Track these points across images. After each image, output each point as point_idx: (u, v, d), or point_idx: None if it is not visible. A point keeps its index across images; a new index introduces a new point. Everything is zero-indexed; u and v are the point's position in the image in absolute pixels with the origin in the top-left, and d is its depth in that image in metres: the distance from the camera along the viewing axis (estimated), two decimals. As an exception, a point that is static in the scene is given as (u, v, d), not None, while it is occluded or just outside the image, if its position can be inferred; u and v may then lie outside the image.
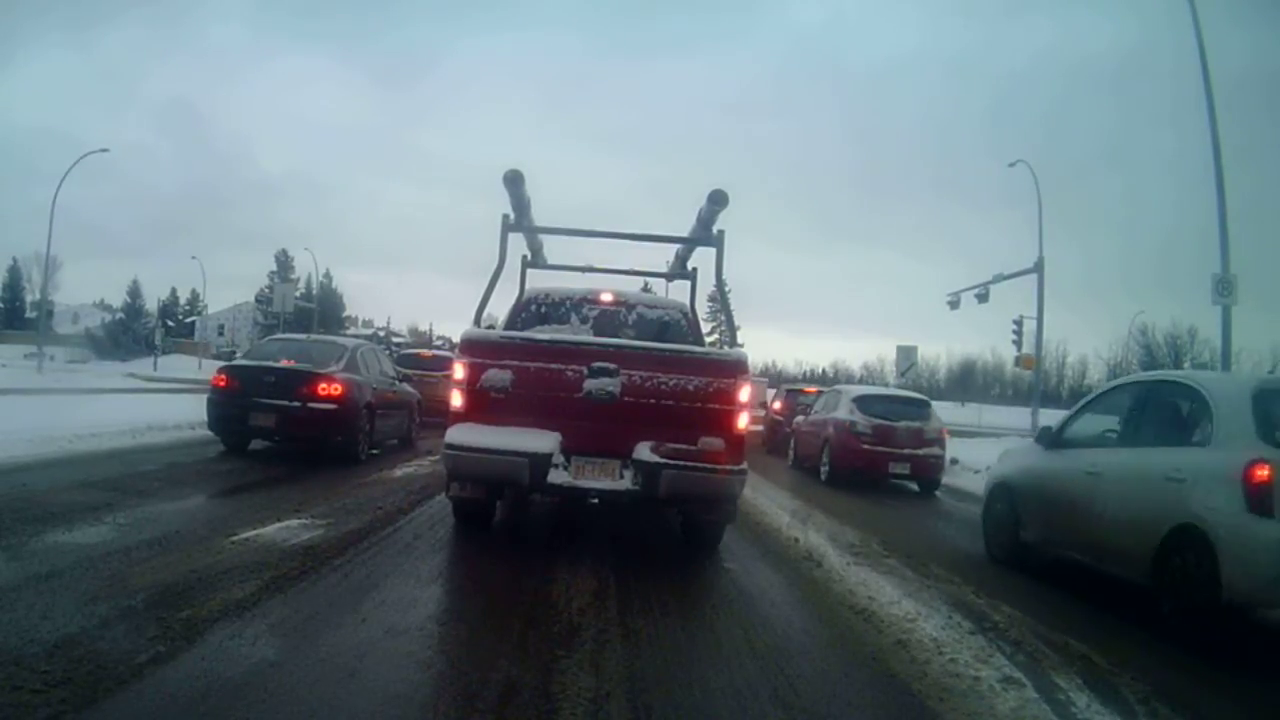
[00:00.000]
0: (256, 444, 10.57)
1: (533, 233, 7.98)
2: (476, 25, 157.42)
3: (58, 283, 66.29)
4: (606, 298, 7.38)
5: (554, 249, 9.06)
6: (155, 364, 48.31)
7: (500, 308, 8.09)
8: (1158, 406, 6.03)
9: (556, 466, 5.52)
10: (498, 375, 5.65)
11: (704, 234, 7.14)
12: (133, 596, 4.02)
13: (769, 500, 10.05)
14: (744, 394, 5.73)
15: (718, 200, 6.70)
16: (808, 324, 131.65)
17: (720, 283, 7.40)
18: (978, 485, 10.85)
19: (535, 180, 6.91)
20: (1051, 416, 13.72)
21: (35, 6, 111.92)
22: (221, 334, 61.37)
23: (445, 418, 5.99)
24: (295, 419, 9.78)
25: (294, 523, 6.16)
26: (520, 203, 6.95)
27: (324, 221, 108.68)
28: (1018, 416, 31.82)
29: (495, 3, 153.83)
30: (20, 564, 4.52)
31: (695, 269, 8.70)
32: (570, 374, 5.64)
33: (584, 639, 4.02)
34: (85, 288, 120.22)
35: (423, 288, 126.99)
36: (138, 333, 63.26)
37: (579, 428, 5.61)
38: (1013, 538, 7.05)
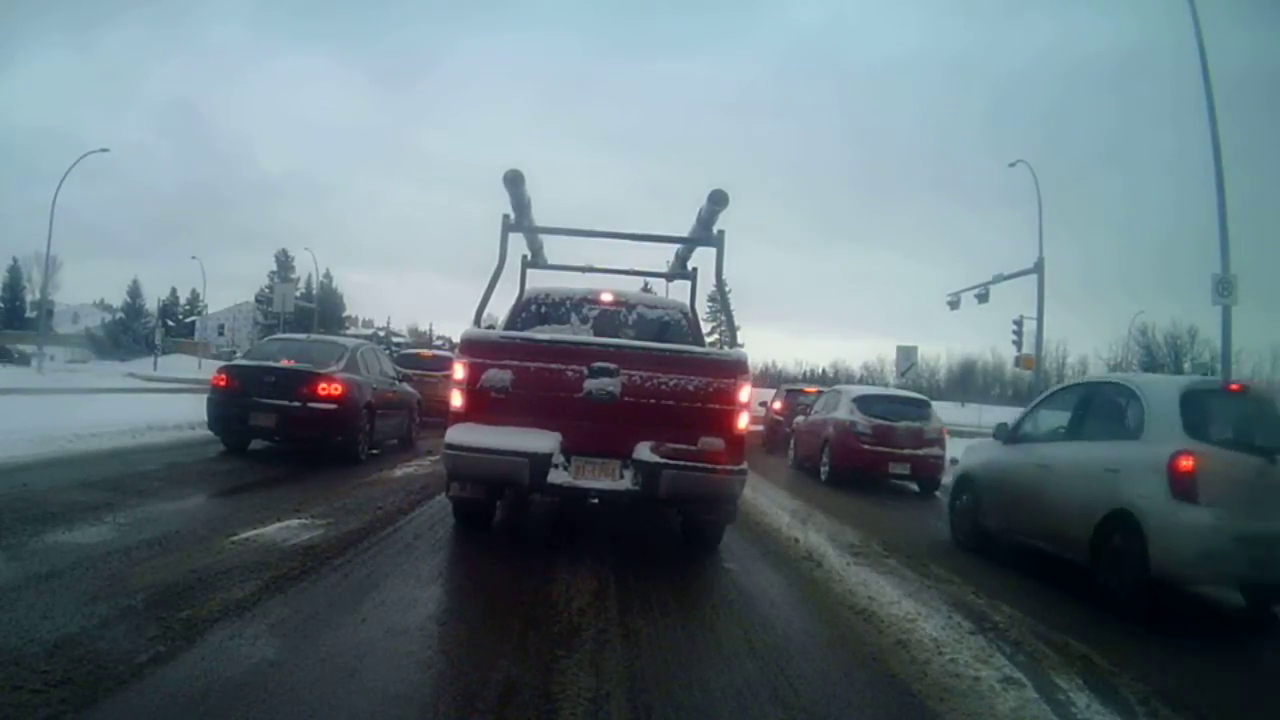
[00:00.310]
0: (256, 444, 10.56)
1: (533, 233, 7.98)
2: (476, 25, 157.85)
3: (58, 283, 66.26)
4: (606, 298, 7.38)
5: (554, 249, 9.06)
6: (155, 364, 48.28)
7: (500, 308, 8.09)
8: (1100, 405, 6.63)
9: (556, 466, 5.52)
10: (498, 375, 5.65)
11: (704, 234, 7.15)
12: (133, 596, 4.02)
13: (769, 500, 10.04)
14: (744, 394, 5.73)
15: (718, 200, 6.70)
16: (808, 324, 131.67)
17: (720, 283, 7.40)
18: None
19: (535, 180, 6.92)
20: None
21: (35, 6, 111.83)
22: (221, 334, 61.39)
23: (445, 418, 5.99)
24: (295, 419, 9.78)
25: (294, 523, 6.16)
26: (520, 203, 6.95)
27: (324, 221, 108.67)
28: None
29: (495, 3, 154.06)
30: (20, 564, 4.52)
31: (695, 269, 8.70)
32: (570, 374, 5.64)
33: (584, 639, 4.02)
34: (85, 288, 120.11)
35: (423, 288, 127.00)
36: (138, 333, 63.25)
37: (579, 428, 5.61)
38: (975, 525, 7.66)
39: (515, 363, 5.68)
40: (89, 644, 3.34)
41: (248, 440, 10.42)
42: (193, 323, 76.39)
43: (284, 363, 10.37)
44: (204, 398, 10.64)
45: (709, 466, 5.51)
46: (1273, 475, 5.30)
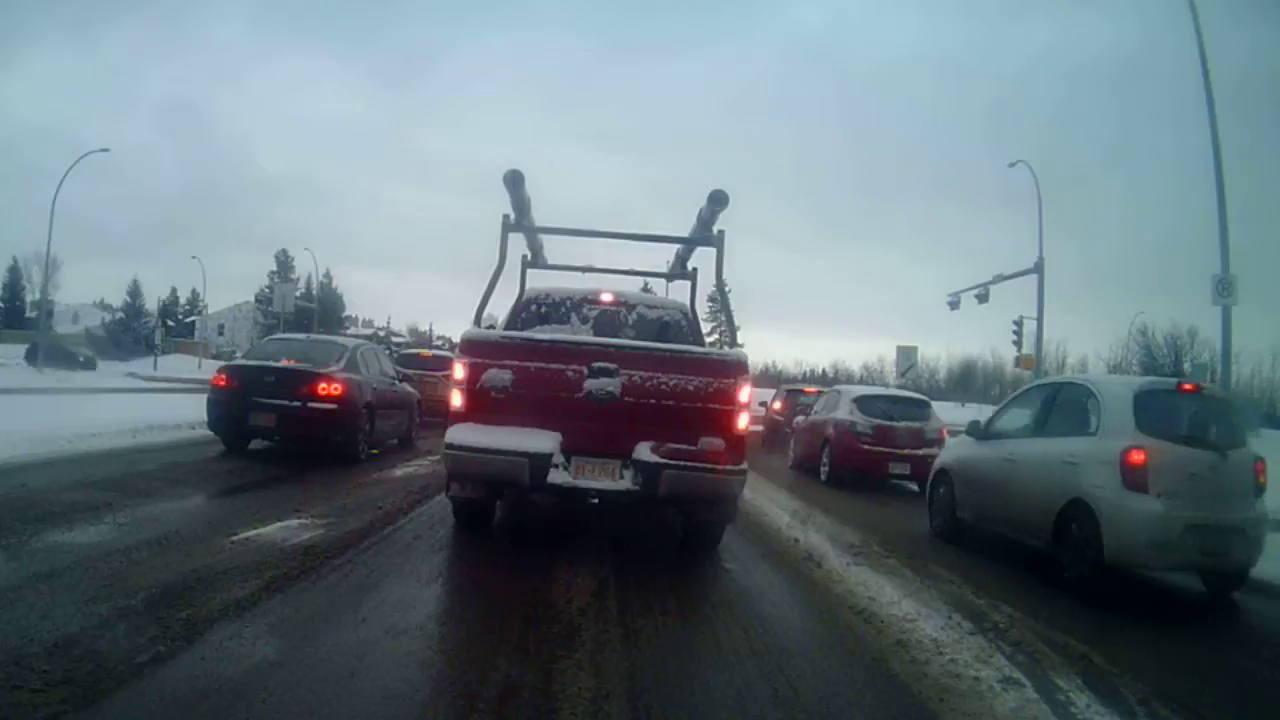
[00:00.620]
0: (256, 444, 10.56)
1: (533, 233, 7.98)
2: (477, 26, 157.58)
3: (58, 282, 66.28)
4: (606, 298, 7.39)
5: (554, 249, 9.06)
6: (155, 364, 48.25)
7: (500, 308, 8.09)
8: (1062, 404, 7.02)
9: (557, 466, 5.52)
10: (498, 375, 5.65)
11: (704, 234, 7.15)
12: (133, 596, 4.02)
13: (769, 500, 10.04)
14: (744, 394, 5.73)
15: (718, 200, 6.70)
16: (808, 324, 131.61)
17: (720, 283, 7.40)
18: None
19: (535, 180, 6.92)
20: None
21: (35, 6, 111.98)
22: (221, 334, 61.41)
23: (445, 418, 5.99)
24: (295, 419, 9.78)
25: (294, 523, 6.16)
26: (520, 203, 6.95)
27: (324, 221, 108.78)
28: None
29: (496, 3, 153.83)
30: (20, 564, 4.53)
31: (695, 269, 8.70)
32: (570, 374, 5.64)
33: (584, 639, 4.02)
34: (85, 287, 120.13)
35: (423, 288, 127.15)
36: (138, 332, 63.21)
37: (579, 428, 5.61)
38: (952, 516, 8.06)
39: (515, 363, 5.68)
40: (89, 644, 3.34)
41: (248, 440, 10.41)
42: (193, 323, 76.38)
43: (284, 362, 10.38)
44: (204, 398, 10.66)
45: (709, 466, 5.51)
46: (1224, 469, 5.77)
